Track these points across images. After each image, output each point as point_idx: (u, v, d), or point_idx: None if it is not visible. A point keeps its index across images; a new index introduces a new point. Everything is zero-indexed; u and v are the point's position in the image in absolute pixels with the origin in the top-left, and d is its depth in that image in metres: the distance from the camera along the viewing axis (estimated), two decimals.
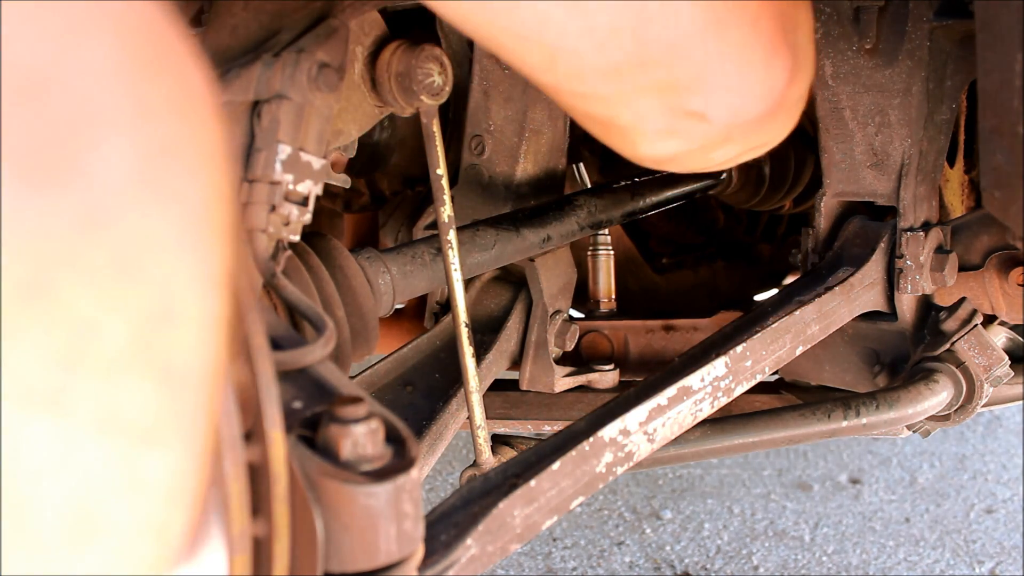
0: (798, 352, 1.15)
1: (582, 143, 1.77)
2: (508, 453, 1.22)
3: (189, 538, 0.46)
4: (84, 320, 0.35)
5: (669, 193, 1.57)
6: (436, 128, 1.03)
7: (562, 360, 1.41)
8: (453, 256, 1.04)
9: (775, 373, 1.23)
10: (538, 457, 0.84)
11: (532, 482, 0.80)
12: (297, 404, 0.66)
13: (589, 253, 1.57)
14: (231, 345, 0.47)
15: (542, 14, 0.66)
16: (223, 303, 0.43)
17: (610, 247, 1.56)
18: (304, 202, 0.88)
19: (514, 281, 1.42)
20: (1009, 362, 1.28)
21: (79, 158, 0.34)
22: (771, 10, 0.82)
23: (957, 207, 1.47)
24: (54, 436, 0.35)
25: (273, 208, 0.86)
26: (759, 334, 1.09)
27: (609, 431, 0.89)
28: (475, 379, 1.08)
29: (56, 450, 0.36)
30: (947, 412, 1.30)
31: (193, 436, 0.42)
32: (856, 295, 1.25)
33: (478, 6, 0.65)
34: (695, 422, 1.01)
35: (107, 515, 0.38)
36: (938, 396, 1.25)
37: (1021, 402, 1.42)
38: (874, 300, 1.28)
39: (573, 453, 0.84)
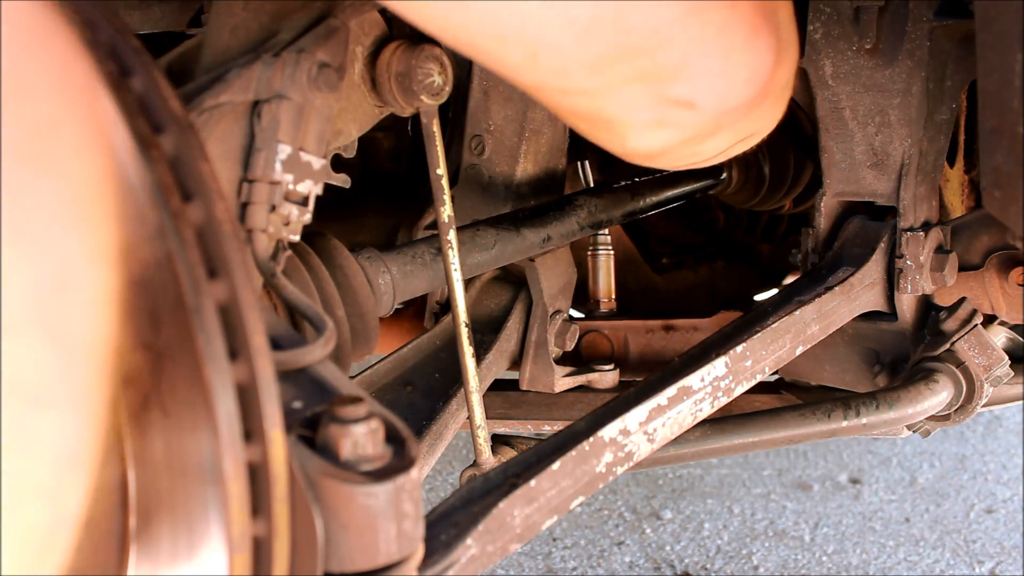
0: (798, 352, 1.15)
1: (586, 141, 1.77)
2: (508, 453, 1.22)
3: (85, 505, 0.46)
4: None
5: (669, 193, 1.57)
6: (436, 128, 1.03)
7: (562, 360, 1.41)
8: (453, 256, 1.04)
9: (775, 373, 1.23)
10: (538, 457, 0.84)
11: (532, 482, 0.80)
12: (297, 404, 0.66)
13: (589, 253, 1.57)
14: (124, 317, 0.48)
15: (522, 11, 0.65)
16: (114, 276, 0.45)
17: (610, 247, 1.56)
18: (304, 202, 0.88)
19: (514, 281, 1.42)
20: (1009, 362, 1.28)
21: None
22: None
23: (957, 207, 1.47)
24: None
25: (273, 208, 0.86)
26: (759, 334, 1.09)
27: (609, 431, 0.89)
28: (475, 379, 1.08)
29: None
30: (947, 412, 1.30)
31: (86, 401, 0.43)
32: (856, 295, 1.25)
33: (454, 8, 0.64)
34: (695, 422, 1.01)
35: None
36: (938, 396, 1.25)
37: (1021, 402, 1.42)
38: (874, 300, 1.28)
39: (573, 453, 0.84)
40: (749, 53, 0.82)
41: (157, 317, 0.54)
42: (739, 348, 1.05)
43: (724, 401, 1.04)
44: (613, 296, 1.58)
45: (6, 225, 0.38)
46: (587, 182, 1.62)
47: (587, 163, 1.63)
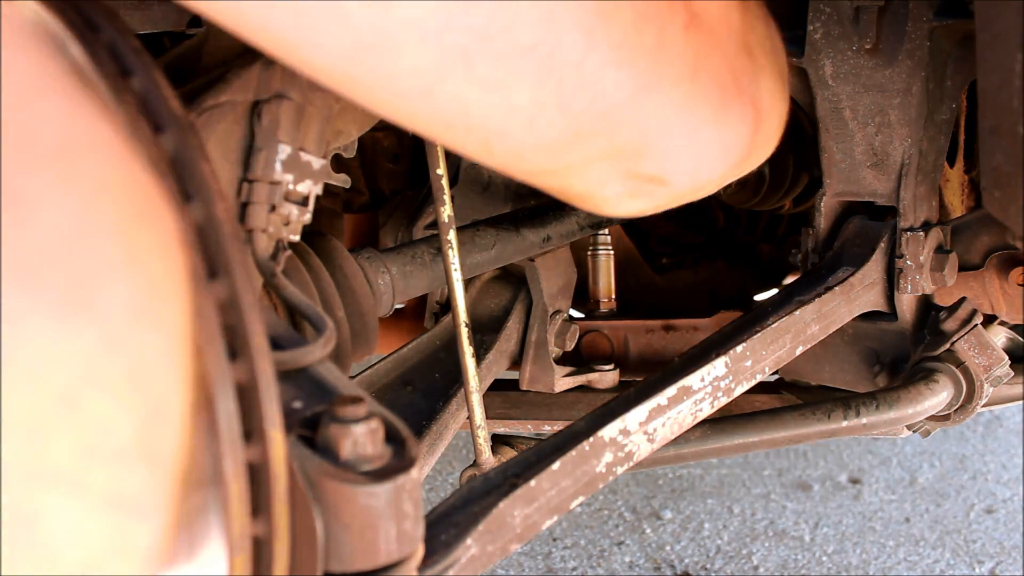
0: (798, 352, 1.15)
1: None
2: (508, 453, 1.22)
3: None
4: (101, 420, 0.45)
5: None
6: None
7: (562, 360, 1.41)
8: (453, 256, 1.04)
9: (775, 373, 1.23)
10: (538, 457, 0.84)
11: (532, 482, 0.80)
12: (297, 404, 0.66)
13: (589, 253, 1.57)
14: (199, 428, 0.54)
15: (461, 102, 0.63)
16: (194, 394, 0.52)
17: (610, 247, 1.56)
18: (304, 202, 0.88)
19: (514, 281, 1.42)
20: (1009, 362, 1.28)
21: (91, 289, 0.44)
22: (713, 66, 0.78)
23: (957, 207, 1.47)
24: (72, 511, 0.44)
25: (273, 208, 0.86)
26: (759, 334, 1.09)
27: (609, 431, 0.89)
28: (475, 379, 1.08)
29: (72, 523, 0.44)
30: (947, 412, 1.30)
31: (169, 505, 0.51)
32: (856, 295, 1.25)
33: (400, 96, 0.63)
34: (695, 422, 1.01)
35: None
36: (938, 396, 1.25)
37: (1021, 402, 1.42)
38: (874, 300, 1.28)
39: (573, 453, 0.84)
40: (720, 128, 0.80)
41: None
42: (739, 348, 1.05)
43: (724, 401, 1.04)
44: (613, 296, 1.58)
45: (130, 372, 0.45)
46: None
47: None
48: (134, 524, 0.47)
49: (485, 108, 0.64)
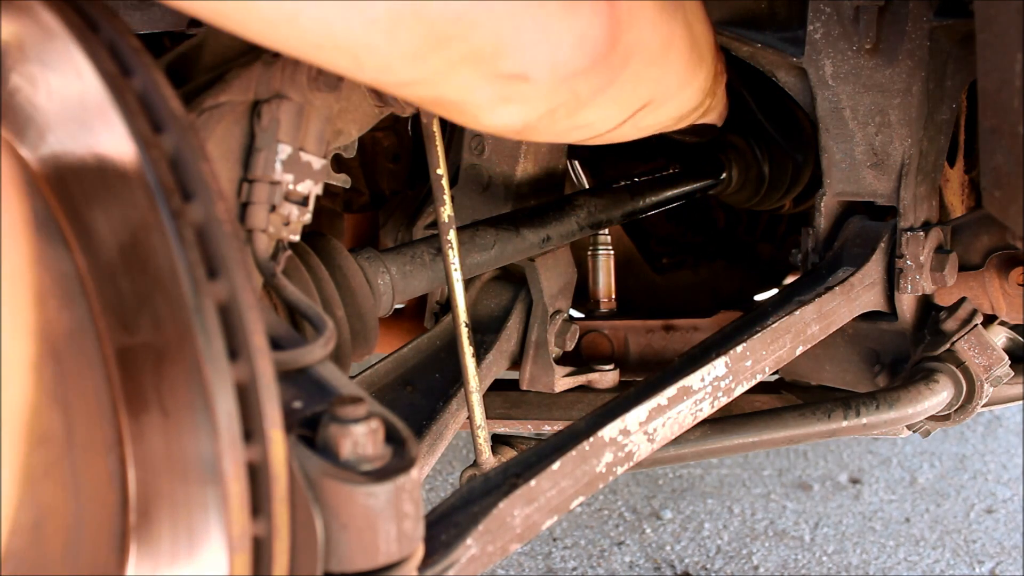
0: (798, 352, 1.15)
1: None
2: (508, 453, 1.22)
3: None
4: None
5: (669, 193, 1.57)
6: (436, 128, 1.03)
7: (562, 360, 1.41)
8: (453, 256, 1.04)
9: (775, 373, 1.23)
10: (538, 457, 0.84)
11: (532, 482, 0.80)
12: (297, 404, 0.66)
13: (589, 253, 1.57)
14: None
15: (323, 20, 0.68)
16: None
17: (610, 247, 1.56)
18: (304, 202, 0.88)
19: (514, 281, 1.42)
20: (1009, 362, 1.28)
21: None
22: None
23: (957, 207, 1.47)
24: None
25: (273, 208, 0.86)
26: (759, 334, 1.09)
27: (609, 431, 0.89)
28: (475, 379, 1.08)
29: None
30: (947, 412, 1.30)
31: (11, 460, 0.52)
32: (856, 295, 1.25)
33: (268, 24, 0.67)
34: (695, 422, 1.01)
35: None
36: (938, 396, 1.25)
37: (1021, 402, 1.42)
38: (874, 300, 1.28)
39: (573, 453, 0.84)
40: (570, 19, 0.84)
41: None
42: (739, 348, 1.05)
43: (724, 401, 1.04)
44: (613, 296, 1.58)
45: None
46: (581, 184, 1.62)
47: (576, 163, 1.63)
48: None
49: (347, 25, 0.69)
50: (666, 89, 1.03)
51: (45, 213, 0.58)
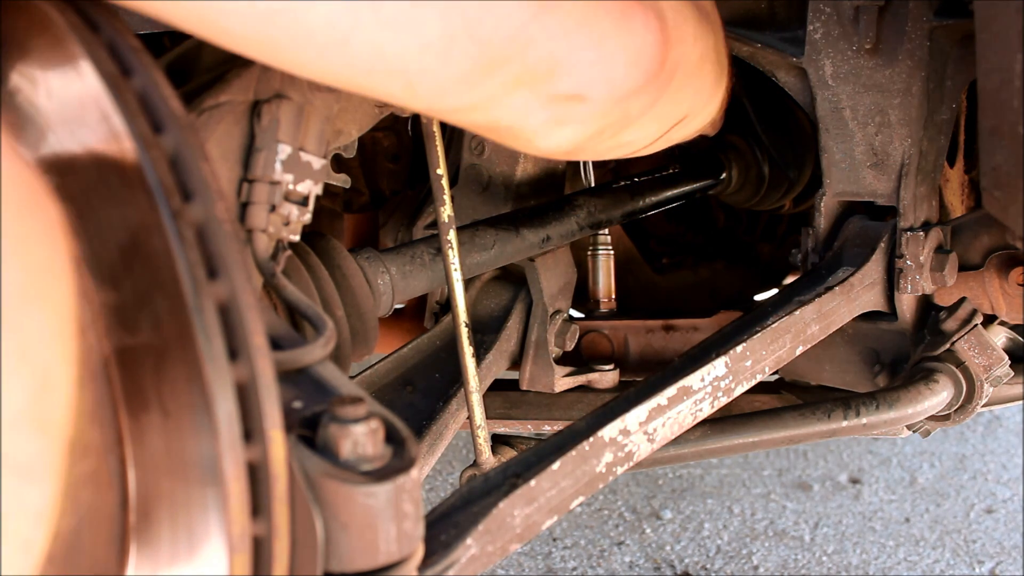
0: (798, 352, 1.15)
1: None
2: (508, 453, 1.22)
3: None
4: None
5: (669, 193, 1.57)
6: (436, 128, 1.03)
7: (562, 360, 1.41)
8: (453, 256, 1.04)
9: (775, 373, 1.23)
10: (538, 457, 0.84)
11: (532, 482, 0.80)
12: (297, 404, 0.66)
13: (589, 253, 1.57)
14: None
15: (377, 46, 0.67)
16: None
17: (610, 247, 1.56)
18: (304, 202, 0.88)
19: (514, 281, 1.42)
20: (1009, 362, 1.28)
21: None
22: None
23: (957, 207, 1.47)
24: None
25: (273, 208, 0.86)
26: (759, 334, 1.09)
27: (609, 431, 0.89)
28: (475, 379, 1.08)
29: None
30: (947, 412, 1.30)
31: (57, 474, 0.55)
32: (856, 295, 1.25)
33: (318, 51, 0.66)
34: (695, 422, 1.01)
35: None
36: (938, 396, 1.25)
37: (1021, 402, 1.42)
38: (874, 300, 1.28)
39: (573, 453, 0.84)
40: (625, 37, 0.83)
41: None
42: (739, 348, 1.05)
43: (724, 401, 1.04)
44: (613, 296, 1.58)
45: (11, 346, 0.50)
46: (588, 182, 1.62)
47: (589, 162, 1.63)
48: (26, 487, 0.51)
49: (400, 49, 0.68)
50: (698, 103, 1.03)
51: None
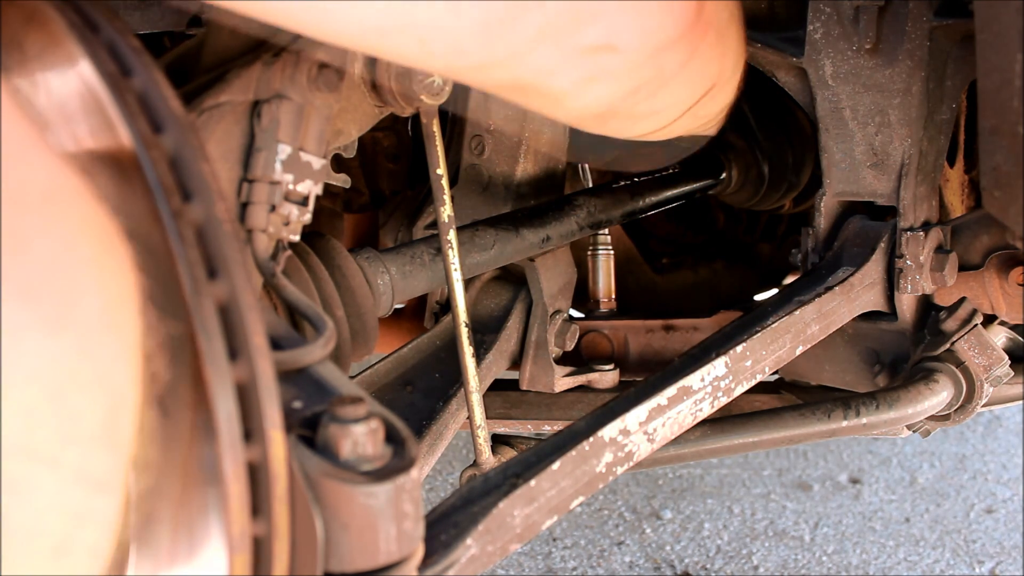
0: (798, 352, 1.15)
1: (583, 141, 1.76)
2: (508, 453, 1.22)
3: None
4: (77, 411, 0.53)
5: (669, 193, 1.57)
6: (436, 128, 1.03)
7: (562, 360, 1.41)
8: (453, 256, 1.04)
9: (775, 373, 1.23)
10: (538, 457, 0.84)
11: (532, 482, 0.80)
12: (297, 404, 0.66)
13: (589, 253, 1.57)
14: (148, 419, 0.61)
15: (384, 1, 0.63)
16: (145, 390, 0.59)
17: (610, 247, 1.56)
18: (304, 202, 0.88)
19: (514, 281, 1.42)
20: (1009, 362, 1.28)
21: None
22: None
23: (957, 207, 1.47)
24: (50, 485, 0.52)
25: (273, 208, 0.86)
26: (759, 334, 1.09)
27: (609, 431, 0.89)
28: (475, 379, 1.08)
29: (50, 495, 0.52)
30: (947, 412, 1.30)
31: (124, 484, 0.58)
32: (856, 295, 1.25)
33: (323, 10, 0.64)
34: (695, 422, 1.01)
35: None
36: (938, 396, 1.25)
37: (1021, 402, 1.42)
38: (874, 300, 1.28)
39: (573, 453, 0.84)
40: None
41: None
42: (739, 348, 1.05)
43: (724, 401, 1.04)
44: (613, 296, 1.58)
45: (90, 370, 0.53)
46: (587, 182, 1.62)
47: (586, 165, 1.63)
48: (98, 498, 0.54)
49: (408, 2, 0.65)
50: (725, 71, 0.98)
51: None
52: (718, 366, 1.03)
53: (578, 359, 1.56)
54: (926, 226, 1.27)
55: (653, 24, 0.78)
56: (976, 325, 1.27)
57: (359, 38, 0.67)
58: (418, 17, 0.65)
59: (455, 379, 1.23)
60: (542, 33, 0.71)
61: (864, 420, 1.21)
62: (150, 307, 0.59)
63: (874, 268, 1.27)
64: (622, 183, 1.50)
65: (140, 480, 0.59)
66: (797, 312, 1.14)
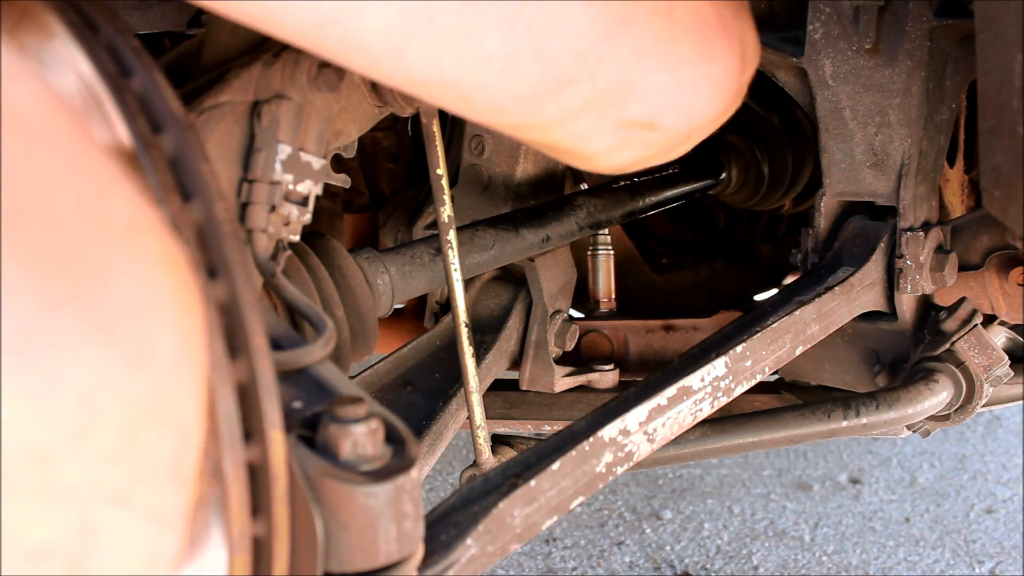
0: (798, 352, 1.15)
1: None
2: (508, 453, 1.22)
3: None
4: (150, 449, 0.52)
5: (669, 193, 1.57)
6: (436, 128, 1.03)
7: (562, 360, 1.41)
8: (453, 256, 1.04)
9: (775, 373, 1.23)
10: (538, 457, 0.84)
11: (532, 482, 0.80)
12: (297, 404, 0.66)
13: (589, 253, 1.57)
14: (209, 454, 0.60)
15: (433, 57, 0.63)
16: (208, 425, 0.59)
17: (610, 247, 1.56)
18: (304, 202, 0.88)
19: (514, 281, 1.42)
20: (1009, 362, 1.28)
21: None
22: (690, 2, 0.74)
23: (957, 207, 1.47)
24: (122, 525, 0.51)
25: (273, 208, 0.86)
26: (759, 334, 1.09)
27: (609, 431, 0.89)
28: (475, 379, 1.08)
29: (121, 534, 0.51)
30: (947, 412, 1.30)
31: (187, 520, 0.57)
32: (856, 295, 1.25)
33: (373, 59, 0.64)
34: (695, 422, 1.01)
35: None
36: (938, 396, 1.25)
37: (1021, 402, 1.42)
38: (874, 300, 1.28)
39: (573, 453, 0.84)
40: (705, 63, 0.77)
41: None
42: (739, 348, 1.05)
43: (724, 401, 1.04)
44: (613, 296, 1.58)
45: (164, 407, 0.53)
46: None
47: None
48: (165, 536, 0.53)
49: (457, 61, 0.64)
50: (743, 88, 0.96)
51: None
52: (718, 366, 1.03)
53: (578, 359, 1.56)
54: (926, 226, 1.27)
55: (697, 105, 0.77)
56: (976, 325, 1.27)
57: (403, 86, 0.67)
58: (467, 77, 0.65)
59: (455, 379, 1.23)
60: (587, 105, 0.71)
61: (864, 420, 1.21)
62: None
63: (874, 268, 1.27)
64: (622, 183, 1.50)
65: (198, 518, 0.59)
66: (797, 312, 1.14)
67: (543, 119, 0.71)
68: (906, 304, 1.29)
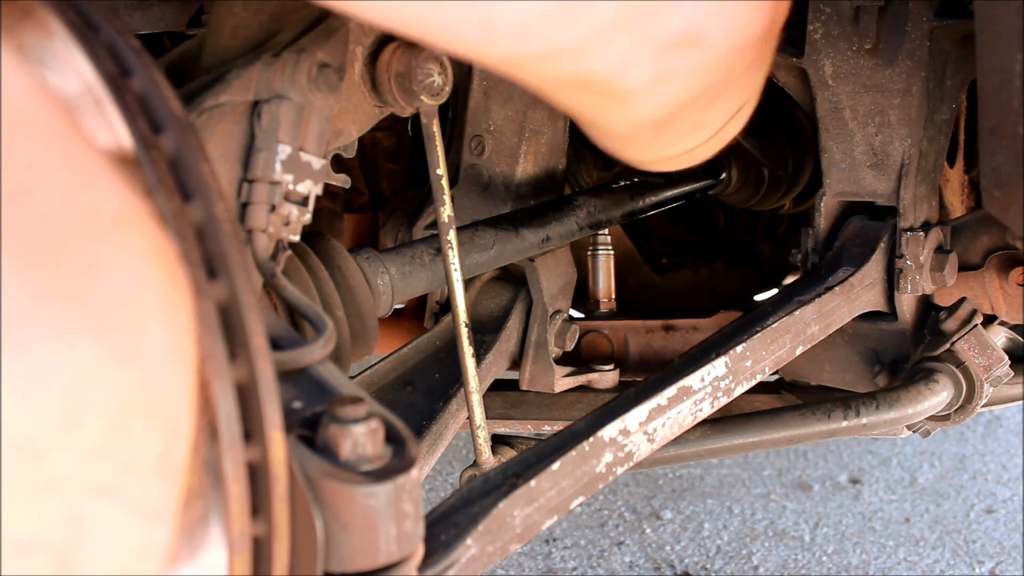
0: (798, 352, 1.15)
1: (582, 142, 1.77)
2: (508, 453, 1.22)
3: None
4: (139, 442, 0.52)
5: (669, 193, 1.57)
6: (436, 128, 1.03)
7: (562, 360, 1.41)
8: (453, 256, 1.04)
9: (775, 373, 1.23)
10: (538, 457, 0.84)
11: (532, 482, 0.80)
12: (297, 404, 0.66)
13: (589, 253, 1.57)
14: (200, 447, 0.60)
15: None
16: (199, 418, 0.59)
17: (610, 247, 1.56)
18: (304, 202, 0.88)
19: (514, 281, 1.42)
20: (1009, 362, 1.28)
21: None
22: None
23: (957, 207, 1.47)
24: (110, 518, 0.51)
25: (273, 208, 0.86)
26: (759, 334, 1.09)
27: (609, 431, 0.89)
28: (475, 379, 1.08)
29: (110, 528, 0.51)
30: (947, 412, 1.30)
31: (178, 513, 0.57)
32: (856, 295, 1.25)
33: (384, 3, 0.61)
34: (695, 422, 1.01)
35: None
36: (938, 396, 1.25)
37: (1021, 402, 1.42)
38: (874, 300, 1.28)
39: (573, 453, 0.84)
40: None
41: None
42: (739, 348, 1.05)
43: (724, 401, 1.04)
44: (613, 296, 1.58)
45: (153, 401, 0.52)
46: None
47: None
48: (154, 529, 0.53)
49: None
50: (755, 91, 0.94)
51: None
52: (718, 366, 1.03)
53: (578, 359, 1.56)
54: (926, 226, 1.27)
55: (740, 18, 0.71)
56: (976, 325, 1.27)
57: (417, 19, 0.63)
58: None
59: (455, 379, 1.23)
60: (620, 20, 0.64)
61: (864, 420, 1.21)
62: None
63: (874, 268, 1.27)
64: (622, 183, 1.50)
65: (189, 511, 0.59)
66: (797, 312, 1.14)
67: (571, 41, 0.65)
68: (906, 304, 1.29)
